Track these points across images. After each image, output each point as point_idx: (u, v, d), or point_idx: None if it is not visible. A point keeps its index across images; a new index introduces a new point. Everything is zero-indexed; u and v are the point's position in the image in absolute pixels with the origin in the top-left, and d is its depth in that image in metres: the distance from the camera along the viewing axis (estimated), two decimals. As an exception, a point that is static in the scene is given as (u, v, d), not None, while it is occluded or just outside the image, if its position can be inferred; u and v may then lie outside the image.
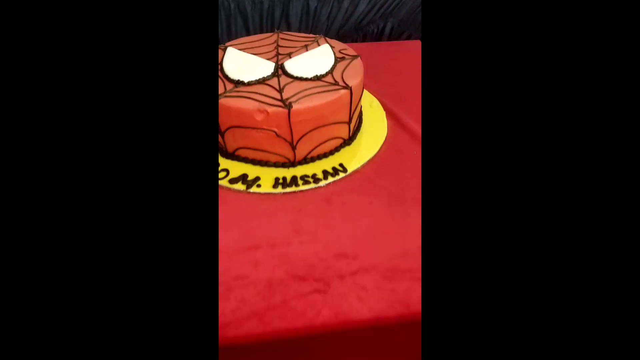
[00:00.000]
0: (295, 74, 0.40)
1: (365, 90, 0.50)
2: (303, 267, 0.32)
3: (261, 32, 0.93)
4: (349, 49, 0.45)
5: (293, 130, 0.37)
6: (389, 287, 0.32)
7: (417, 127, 0.45)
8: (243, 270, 0.33)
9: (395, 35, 0.97)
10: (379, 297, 0.31)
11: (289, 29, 1.04)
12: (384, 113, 0.48)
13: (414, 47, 0.69)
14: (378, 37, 1.11)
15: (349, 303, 0.31)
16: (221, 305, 0.30)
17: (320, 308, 0.30)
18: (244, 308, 0.30)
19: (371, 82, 0.51)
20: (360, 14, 1.01)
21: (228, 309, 0.30)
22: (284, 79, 0.39)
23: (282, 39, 0.46)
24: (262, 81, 0.39)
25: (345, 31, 1.02)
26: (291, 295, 0.31)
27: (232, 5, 1.04)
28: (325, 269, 0.32)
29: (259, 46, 0.44)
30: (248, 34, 0.94)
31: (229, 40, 0.96)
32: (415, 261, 0.33)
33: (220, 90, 0.38)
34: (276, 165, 0.41)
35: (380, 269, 0.32)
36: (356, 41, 1.00)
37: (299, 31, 0.95)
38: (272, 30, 0.95)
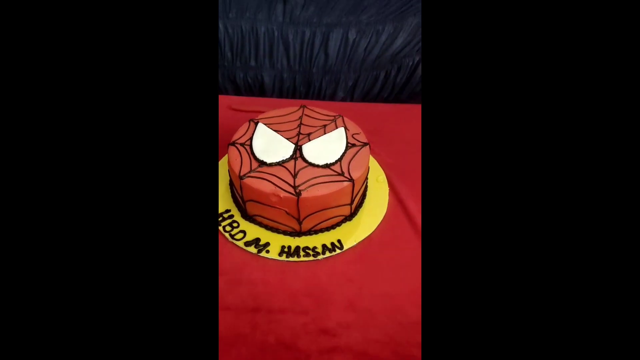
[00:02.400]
0: (310, 159, 0.48)
1: (374, 160, 0.57)
2: (291, 337, 0.41)
3: (301, 59, 1.01)
4: (361, 134, 0.52)
5: (300, 211, 0.46)
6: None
7: (415, 211, 0.52)
8: (244, 330, 0.42)
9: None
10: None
11: (326, 59, 1.12)
12: (387, 190, 0.55)
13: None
14: (413, 70, 1.16)
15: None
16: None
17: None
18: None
19: (382, 150, 0.58)
20: (397, 48, 1.07)
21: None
22: (299, 163, 0.48)
23: (305, 115, 0.54)
24: (280, 164, 0.48)
25: (381, 62, 1.09)
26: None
27: (276, 33, 1.13)
28: (309, 342, 0.41)
29: (285, 122, 0.53)
30: (288, 60, 1.03)
31: (271, 66, 1.06)
32: (387, 349, 0.41)
33: (246, 169, 0.48)
34: (285, 233, 0.50)
35: (355, 350, 0.40)
36: (391, 73, 1.05)
37: (336, 61, 1.01)
38: (311, 59, 1.03)
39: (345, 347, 0.41)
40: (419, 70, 1.09)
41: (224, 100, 0.71)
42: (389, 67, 1.10)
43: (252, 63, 1.12)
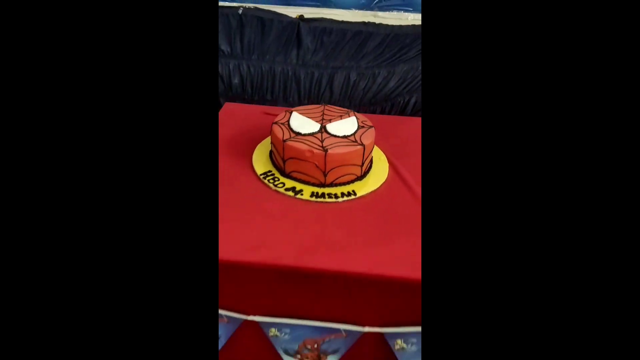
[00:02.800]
0: (332, 132, 0.68)
1: (378, 149, 0.77)
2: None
3: (309, 94, 1.25)
4: (368, 121, 0.73)
5: (327, 165, 0.65)
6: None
7: (409, 177, 0.71)
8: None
9: (417, 107, 1.27)
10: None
11: (331, 95, 1.37)
12: (387, 165, 0.75)
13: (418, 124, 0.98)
14: (403, 107, 1.41)
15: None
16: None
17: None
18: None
19: (384, 144, 0.79)
20: (390, 88, 1.33)
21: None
22: (325, 135, 0.68)
23: (326, 110, 0.75)
24: (311, 134, 0.67)
25: (377, 100, 1.34)
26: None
27: (290, 73, 1.39)
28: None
29: (311, 113, 0.74)
30: (299, 95, 1.27)
31: (284, 99, 1.31)
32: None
33: (287, 136, 0.67)
34: (313, 184, 0.68)
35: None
36: (385, 109, 1.30)
37: (339, 97, 1.26)
38: (318, 94, 1.29)
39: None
40: (409, 107, 1.35)
41: (260, 108, 0.94)
42: (383, 104, 1.36)
43: (269, 97, 1.37)
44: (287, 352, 0.62)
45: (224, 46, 1.34)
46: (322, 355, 0.62)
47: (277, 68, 1.39)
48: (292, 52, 1.36)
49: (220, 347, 0.61)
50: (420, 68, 1.31)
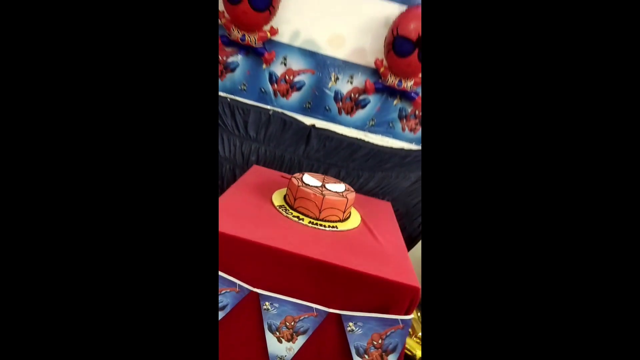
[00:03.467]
0: (328, 188, 1.06)
1: (355, 210, 1.14)
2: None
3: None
4: (351, 189, 1.12)
5: (322, 205, 1.01)
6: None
7: (373, 229, 1.07)
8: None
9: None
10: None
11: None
12: (359, 219, 1.11)
13: (387, 205, 1.37)
14: (373, 204, 1.80)
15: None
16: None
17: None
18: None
19: (360, 209, 1.16)
20: (369, 188, 1.75)
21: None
22: (323, 189, 1.06)
23: (326, 178, 1.15)
24: (315, 186, 1.05)
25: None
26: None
27: (295, 161, 1.82)
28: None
29: (317, 177, 1.13)
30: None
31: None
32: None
33: (299, 184, 1.04)
34: (311, 217, 1.03)
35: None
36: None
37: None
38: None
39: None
40: (378, 203, 1.76)
41: (278, 172, 1.33)
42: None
43: (275, 175, 1.78)
44: (270, 328, 0.86)
45: (252, 132, 1.80)
46: (294, 335, 0.86)
47: (287, 156, 1.83)
48: (300, 147, 1.82)
49: (224, 314, 0.84)
50: (392, 177, 1.77)
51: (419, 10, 1.44)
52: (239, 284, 0.84)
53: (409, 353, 1.31)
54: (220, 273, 0.83)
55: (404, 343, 0.83)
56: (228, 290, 0.84)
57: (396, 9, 1.53)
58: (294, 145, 1.81)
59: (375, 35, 1.58)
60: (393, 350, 0.82)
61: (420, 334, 1.41)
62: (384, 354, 0.81)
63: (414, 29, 1.42)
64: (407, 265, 0.92)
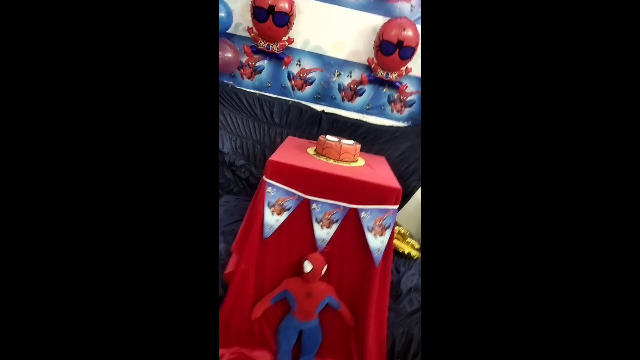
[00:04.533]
0: (343, 142, 1.67)
1: (360, 158, 1.74)
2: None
3: None
4: (358, 143, 1.73)
5: (341, 151, 1.61)
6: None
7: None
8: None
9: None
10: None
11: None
12: (364, 161, 1.72)
13: (382, 158, 1.97)
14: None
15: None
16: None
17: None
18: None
19: (364, 158, 1.76)
20: (368, 157, 2.32)
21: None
22: (340, 142, 1.66)
23: (340, 138, 1.75)
24: (335, 141, 1.66)
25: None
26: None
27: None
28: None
29: (334, 138, 1.73)
30: None
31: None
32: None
33: (326, 140, 1.64)
34: (333, 159, 1.63)
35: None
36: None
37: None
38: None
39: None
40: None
41: (306, 140, 1.93)
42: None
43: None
44: (316, 220, 1.45)
45: (276, 119, 2.40)
46: (330, 223, 1.45)
47: (304, 136, 2.42)
48: (314, 128, 2.42)
49: (289, 213, 1.43)
50: (385, 149, 2.35)
51: (398, 20, 2.06)
52: (297, 194, 1.44)
53: (399, 251, 1.89)
54: (285, 187, 1.43)
55: (394, 222, 1.44)
56: (291, 198, 1.43)
57: (380, 20, 2.16)
58: (309, 127, 2.41)
59: (366, 40, 2.21)
60: (387, 227, 1.43)
61: (407, 240, 2.02)
62: (382, 229, 1.42)
63: (394, 34, 2.05)
64: (393, 179, 1.53)
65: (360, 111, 2.43)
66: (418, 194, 2.40)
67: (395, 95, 2.38)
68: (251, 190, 2.36)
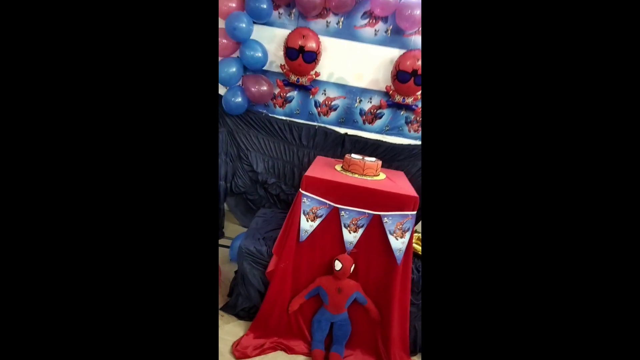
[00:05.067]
0: (366, 159, 1.95)
1: (382, 172, 2.02)
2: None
3: None
4: (379, 160, 2.01)
5: (364, 167, 1.90)
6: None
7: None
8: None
9: (399, 177, 2.51)
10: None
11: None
12: (385, 175, 1.99)
13: (401, 173, 2.24)
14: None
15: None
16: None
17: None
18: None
19: (385, 173, 2.04)
20: (388, 174, 2.59)
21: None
22: (364, 159, 1.95)
23: (363, 156, 2.04)
24: (359, 159, 1.95)
25: (380, 173, 2.59)
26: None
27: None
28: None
29: (358, 156, 2.02)
30: None
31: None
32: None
33: (352, 157, 1.94)
34: (357, 174, 1.92)
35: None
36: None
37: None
38: (354, 164, 2.59)
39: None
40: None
41: (333, 159, 2.24)
42: (384, 180, 2.63)
43: (322, 170, 2.66)
44: (344, 226, 1.72)
45: (304, 141, 2.72)
46: (357, 228, 1.72)
47: (329, 156, 2.70)
48: (338, 149, 2.72)
49: (321, 220, 1.71)
50: (404, 165, 2.61)
51: (412, 52, 2.38)
52: (328, 203, 1.72)
53: (420, 253, 2.10)
54: (318, 197, 1.71)
55: (413, 226, 1.69)
56: (323, 207, 1.71)
57: (397, 52, 2.48)
58: (334, 149, 2.72)
59: (384, 70, 2.54)
60: (407, 230, 1.68)
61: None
62: (403, 232, 1.67)
63: (409, 64, 2.37)
64: (411, 189, 1.79)
65: (380, 132, 2.72)
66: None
67: (412, 117, 2.67)
68: (281, 204, 2.66)
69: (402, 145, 2.70)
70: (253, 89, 2.51)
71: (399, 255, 1.70)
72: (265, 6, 2.37)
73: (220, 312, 1.92)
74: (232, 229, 2.81)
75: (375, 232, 1.73)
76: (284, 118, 2.73)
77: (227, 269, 2.26)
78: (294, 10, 2.48)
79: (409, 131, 2.72)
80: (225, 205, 2.72)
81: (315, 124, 2.74)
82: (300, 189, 1.75)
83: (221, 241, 2.64)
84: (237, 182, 2.70)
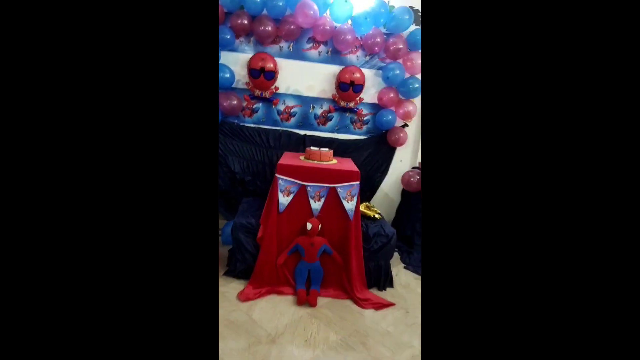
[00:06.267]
0: (322, 150, 2.70)
1: (334, 159, 2.77)
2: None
3: None
4: (332, 150, 2.76)
5: (321, 155, 2.64)
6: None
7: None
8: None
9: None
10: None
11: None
12: (336, 161, 2.74)
13: (349, 159, 3.01)
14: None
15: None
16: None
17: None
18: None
19: (338, 159, 2.79)
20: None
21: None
22: (320, 150, 2.69)
23: (320, 148, 2.77)
24: (317, 149, 2.69)
25: (335, 162, 3.35)
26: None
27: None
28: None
29: (316, 148, 2.76)
30: None
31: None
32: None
33: (311, 149, 2.67)
34: (316, 160, 2.65)
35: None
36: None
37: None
38: (313, 157, 3.35)
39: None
40: (349, 169, 3.38)
41: (298, 153, 2.95)
42: (338, 168, 3.40)
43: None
44: (311, 197, 2.44)
45: (272, 143, 3.41)
46: (320, 197, 2.44)
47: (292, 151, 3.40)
48: (300, 147, 3.43)
49: (294, 195, 2.41)
50: (353, 157, 3.37)
51: (349, 67, 3.17)
52: (297, 182, 2.43)
53: (368, 215, 2.85)
54: (289, 178, 2.41)
55: (358, 192, 2.45)
56: (294, 185, 2.42)
57: (337, 68, 3.27)
58: (297, 147, 3.43)
59: (329, 82, 3.32)
60: (354, 195, 2.44)
61: (372, 209, 3.00)
62: (351, 196, 2.42)
63: (347, 77, 3.16)
64: (354, 167, 2.57)
65: (332, 131, 3.48)
66: (383, 185, 3.44)
67: (355, 117, 3.45)
68: (257, 196, 3.32)
69: (349, 140, 3.47)
70: (225, 104, 3.19)
71: (350, 214, 2.44)
72: (228, 36, 3.08)
73: (224, 277, 2.56)
74: (219, 222, 3.44)
75: (333, 200, 2.46)
76: (252, 126, 3.42)
77: (221, 251, 2.90)
78: (252, 39, 3.20)
79: (354, 129, 3.51)
80: (210, 202, 3.33)
81: (279, 128, 3.45)
82: (275, 174, 2.45)
83: (211, 231, 3.26)
84: (219, 183, 3.32)
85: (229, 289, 2.44)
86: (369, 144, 3.47)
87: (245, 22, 3.04)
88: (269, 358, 1.89)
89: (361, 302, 2.40)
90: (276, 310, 2.30)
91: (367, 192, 3.46)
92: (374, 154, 3.46)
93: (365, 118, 3.45)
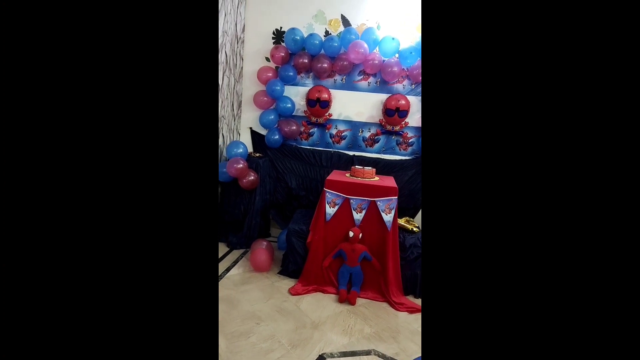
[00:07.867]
0: (366, 168, 3.15)
1: (377, 176, 3.20)
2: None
3: None
4: (374, 169, 3.20)
5: (364, 172, 3.09)
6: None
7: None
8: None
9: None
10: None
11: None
12: (378, 178, 3.18)
13: (391, 178, 3.42)
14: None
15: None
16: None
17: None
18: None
19: (380, 177, 3.23)
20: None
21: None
22: (364, 168, 3.14)
23: (364, 167, 3.23)
24: (361, 168, 3.14)
25: (380, 181, 3.79)
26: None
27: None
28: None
29: (360, 166, 3.22)
30: None
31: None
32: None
33: (356, 168, 3.13)
34: (359, 177, 3.10)
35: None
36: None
37: (367, 177, 3.73)
38: (360, 175, 3.82)
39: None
40: (393, 187, 3.78)
41: (346, 171, 3.44)
42: (384, 186, 3.82)
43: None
44: (353, 209, 2.89)
45: (324, 163, 3.93)
46: (361, 209, 2.87)
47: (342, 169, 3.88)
48: (349, 166, 3.90)
49: (338, 207, 2.87)
50: (398, 176, 3.77)
51: (394, 95, 3.63)
52: (342, 195, 2.88)
53: (407, 228, 3.19)
54: (336, 192, 2.88)
55: (396, 206, 2.83)
56: (339, 198, 2.88)
57: (384, 96, 3.74)
58: (346, 166, 3.91)
59: (377, 108, 3.80)
60: (392, 208, 2.84)
61: (411, 223, 3.32)
62: (389, 209, 2.81)
63: (393, 104, 3.63)
64: (394, 183, 2.98)
65: (379, 152, 3.91)
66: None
67: (401, 140, 3.86)
68: (310, 208, 3.82)
69: (395, 160, 3.88)
70: (286, 129, 3.80)
71: (388, 225, 2.84)
72: (291, 73, 3.72)
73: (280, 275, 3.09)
74: (275, 231, 4.00)
75: (373, 212, 2.89)
76: (308, 147, 3.98)
77: (277, 254, 3.42)
78: (311, 74, 3.80)
79: (400, 150, 3.91)
80: (270, 214, 3.92)
81: (331, 150, 3.96)
82: (324, 188, 2.94)
83: (270, 238, 3.82)
84: (277, 197, 3.91)
85: (282, 285, 2.94)
86: (413, 164, 3.83)
87: (306, 60, 3.68)
88: (311, 338, 2.34)
89: (396, 305, 2.75)
90: (320, 304, 2.75)
91: (410, 209, 3.80)
92: (418, 173, 3.81)
93: (410, 140, 3.84)
